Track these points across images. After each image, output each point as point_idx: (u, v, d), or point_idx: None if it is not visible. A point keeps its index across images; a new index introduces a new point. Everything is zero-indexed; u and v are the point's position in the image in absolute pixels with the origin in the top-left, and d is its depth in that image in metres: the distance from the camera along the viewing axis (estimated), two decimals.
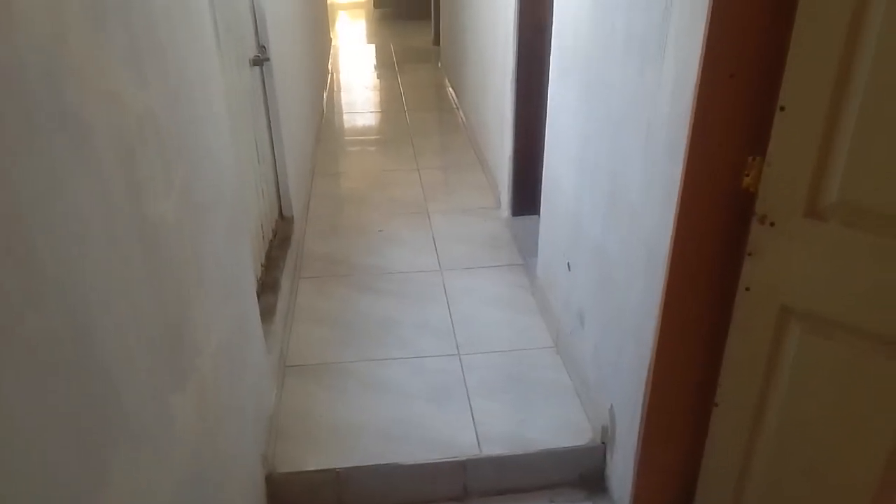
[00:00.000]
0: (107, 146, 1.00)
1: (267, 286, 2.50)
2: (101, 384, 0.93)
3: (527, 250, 3.26)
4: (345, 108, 6.17)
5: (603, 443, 2.11)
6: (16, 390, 0.72)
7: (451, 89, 6.07)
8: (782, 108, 1.38)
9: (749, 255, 1.52)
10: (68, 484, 0.82)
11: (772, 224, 1.47)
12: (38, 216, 0.79)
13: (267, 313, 2.31)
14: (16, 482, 0.71)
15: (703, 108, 1.43)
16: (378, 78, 7.21)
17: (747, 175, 1.47)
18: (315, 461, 2.09)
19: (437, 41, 7.63)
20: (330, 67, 7.03)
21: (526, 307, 2.93)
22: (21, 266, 0.74)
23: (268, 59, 2.79)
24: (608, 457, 2.10)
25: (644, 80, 1.70)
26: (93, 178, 0.95)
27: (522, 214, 3.62)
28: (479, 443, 2.17)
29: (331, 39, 7.83)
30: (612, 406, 2.03)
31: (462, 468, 2.09)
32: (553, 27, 2.53)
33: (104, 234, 0.97)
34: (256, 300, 2.10)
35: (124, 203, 1.06)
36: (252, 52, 2.66)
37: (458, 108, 5.61)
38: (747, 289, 1.55)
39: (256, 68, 2.72)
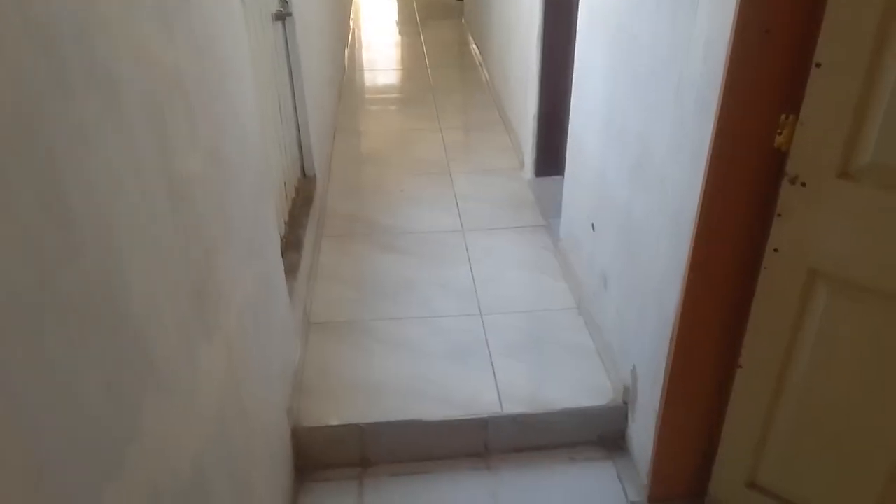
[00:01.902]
0: (136, 102, 1.00)
1: (290, 244, 2.51)
2: (131, 334, 0.94)
3: (550, 211, 3.24)
4: (366, 66, 6.11)
5: (624, 403, 2.13)
6: (54, 339, 0.74)
7: (474, 46, 5.98)
8: (818, 65, 1.35)
9: (778, 215, 1.50)
10: (104, 430, 0.84)
11: (803, 184, 1.44)
12: (72, 171, 0.79)
13: (290, 271, 2.33)
14: (55, 429, 0.73)
15: (736, 64, 1.40)
16: (400, 34, 7.12)
17: (780, 134, 1.44)
18: (338, 416, 2.13)
19: None
20: (351, 23, 6.94)
21: (549, 268, 2.93)
22: (57, 220, 0.75)
23: (290, 14, 2.76)
24: (629, 417, 2.11)
25: (675, 36, 1.66)
26: (123, 134, 0.95)
27: (546, 175, 3.59)
28: (500, 401, 2.20)
29: None
30: (634, 367, 2.04)
31: (483, 425, 2.12)
32: None
33: (135, 188, 0.98)
34: (281, 257, 2.12)
35: (153, 158, 1.06)
36: (274, 6, 2.63)
37: (481, 66, 5.54)
38: (775, 250, 1.53)
39: (279, 23, 2.69)
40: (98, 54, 0.88)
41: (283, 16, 2.70)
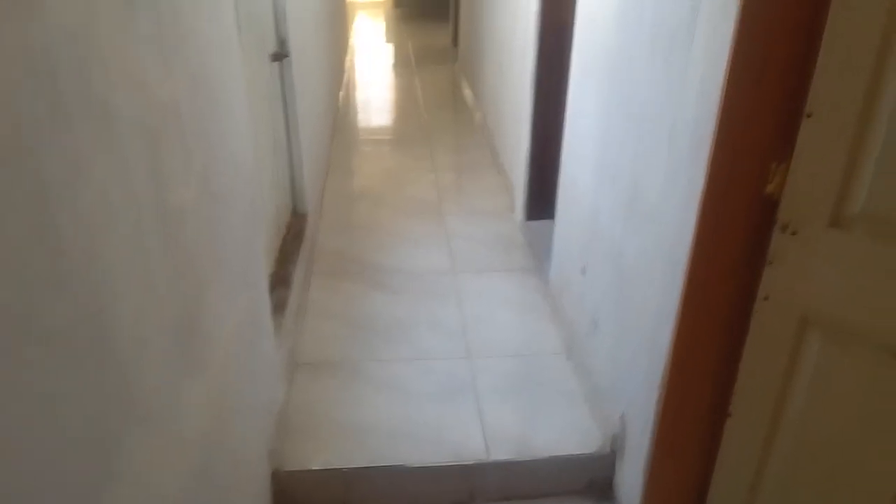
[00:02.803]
0: (131, 133, 1.00)
1: (279, 280, 2.49)
2: (115, 369, 0.92)
3: (540, 254, 3.25)
4: (360, 107, 6.17)
5: (613, 451, 2.09)
6: (34, 373, 0.72)
7: (468, 90, 6.07)
8: (809, 115, 1.36)
9: (769, 263, 1.50)
10: (83, 463, 0.82)
11: (794, 233, 1.45)
12: (63, 200, 0.79)
13: (278, 308, 2.31)
14: (31, 459, 0.71)
15: (728, 111, 1.41)
16: (395, 77, 7.22)
17: (771, 181, 1.45)
18: (322, 459, 2.08)
19: (455, 41, 7.64)
20: (347, 66, 7.04)
21: (538, 311, 2.92)
22: (46, 248, 0.74)
23: (287, 55, 2.79)
24: (617, 465, 2.08)
25: (669, 81, 1.68)
26: (117, 165, 0.94)
27: (537, 218, 3.60)
28: (486, 447, 2.16)
29: (349, 38, 7.84)
30: (623, 414, 2.01)
31: (468, 472, 2.08)
32: (576, 26, 2.51)
33: (127, 220, 0.97)
34: (268, 294, 2.10)
35: (147, 190, 1.05)
36: (272, 47, 2.66)
37: (475, 109, 5.60)
38: (766, 298, 1.52)
39: (276, 64, 2.72)
40: (95, 85, 0.88)
41: (280, 56, 2.73)
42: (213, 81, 1.48)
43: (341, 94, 6.02)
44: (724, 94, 1.40)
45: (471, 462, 2.09)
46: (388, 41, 9.14)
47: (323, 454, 2.11)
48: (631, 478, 1.96)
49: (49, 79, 0.76)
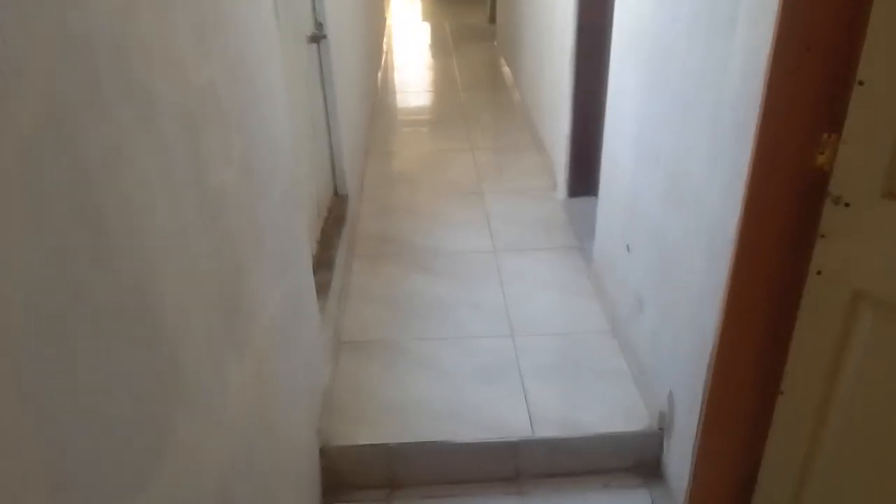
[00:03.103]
0: (170, 116, 1.01)
1: (322, 263, 2.52)
2: (162, 349, 0.94)
3: (583, 233, 3.21)
4: (399, 88, 6.17)
5: (660, 429, 2.07)
6: (86, 352, 0.73)
7: (506, 68, 6.00)
8: (861, 83, 1.31)
9: (821, 237, 1.45)
10: (131, 444, 0.84)
11: (846, 205, 1.40)
12: (106, 183, 0.80)
13: (322, 290, 2.33)
14: (81, 440, 0.73)
15: (775, 83, 1.36)
16: (432, 57, 7.18)
17: (821, 153, 1.40)
18: (367, 436, 2.11)
19: (492, 19, 7.56)
20: (384, 46, 7.03)
21: (581, 290, 2.89)
22: (90, 232, 0.76)
23: (325, 37, 2.79)
24: (665, 444, 2.06)
25: (712, 56, 1.63)
26: (157, 148, 0.96)
27: (579, 196, 3.56)
28: (531, 425, 2.16)
29: (385, 18, 7.82)
30: (670, 392, 1.99)
31: (514, 449, 2.08)
32: (616, 1, 2.46)
33: (167, 202, 0.98)
34: (312, 275, 2.12)
35: (187, 172, 1.07)
36: (309, 29, 2.66)
37: (513, 88, 5.55)
38: (818, 273, 1.48)
39: (313, 45, 2.72)
40: (134, 69, 0.89)
41: (318, 38, 2.74)
42: (251, 64, 1.49)
43: (379, 75, 6.02)
44: (771, 63, 1.35)
45: (516, 439, 2.09)
46: (424, 20, 9.09)
47: (369, 431, 2.13)
48: (679, 456, 1.93)
49: (89, 64, 0.77)
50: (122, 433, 0.81)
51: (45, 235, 0.67)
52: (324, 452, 2.02)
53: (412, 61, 7.08)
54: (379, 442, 2.08)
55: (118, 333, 0.81)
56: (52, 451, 0.67)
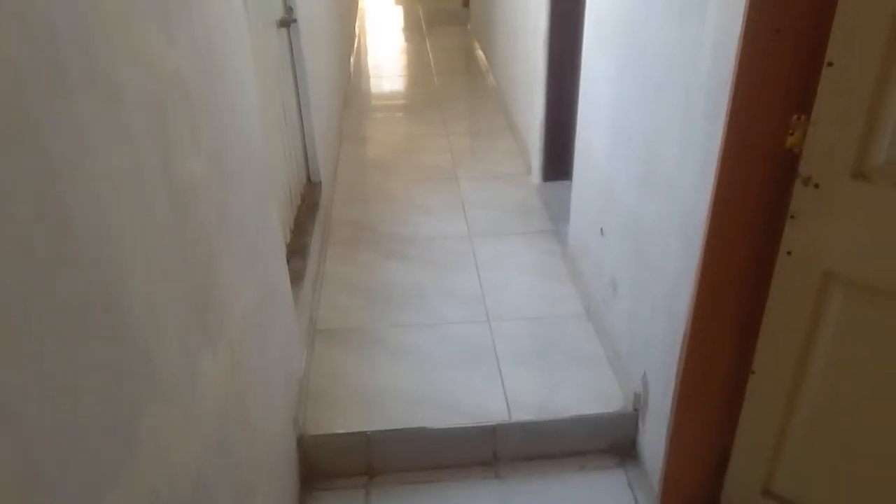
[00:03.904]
0: (137, 106, 0.99)
1: (296, 251, 2.49)
2: (131, 342, 0.93)
3: (558, 217, 3.22)
4: (372, 72, 6.12)
5: (635, 410, 2.09)
6: (51, 346, 0.72)
7: (480, 52, 5.98)
8: (830, 64, 1.32)
9: (791, 217, 1.47)
10: (102, 439, 0.82)
11: (816, 186, 1.41)
12: (70, 175, 0.78)
13: (296, 278, 2.31)
14: (50, 437, 0.71)
15: (746, 65, 1.37)
16: (406, 41, 7.13)
17: (791, 134, 1.41)
18: (344, 424, 2.11)
19: (466, 3, 7.51)
20: (357, 30, 6.96)
21: (557, 274, 2.90)
22: (54, 224, 0.74)
23: (295, 21, 2.75)
24: (640, 424, 2.08)
25: (684, 39, 1.64)
26: (123, 138, 0.93)
27: (553, 180, 3.57)
28: (508, 409, 2.17)
29: (358, 2, 7.74)
30: (644, 373, 2.01)
31: (492, 433, 2.09)
32: None
33: (135, 193, 0.96)
34: (286, 264, 2.10)
35: (154, 162, 1.04)
36: (279, 13, 2.62)
37: (487, 72, 5.53)
38: (789, 253, 1.50)
39: (283, 30, 2.68)
40: (98, 58, 0.87)
41: (287, 22, 2.70)
42: (219, 51, 1.47)
43: (352, 60, 5.96)
44: (742, 46, 1.35)
45: (494, 423, 2.10)
46: (397, 4, 9.01)
47: (346, 419, 2.13)
48: (654, 437, 1.96)
49: (51, 52, 0.75)
50: (91, 428, 0.80)
51: (5, 228, 0.65)
52: (301, 442, 2.02)
53: (385, 45, 7.02)
54: (356, 430, 2.08)
55: (84, 328, 0.79)
56: (20, 449, 0.66)
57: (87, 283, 0.81)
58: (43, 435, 0.70)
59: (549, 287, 2.83)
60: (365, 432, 2.06)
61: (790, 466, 1.69)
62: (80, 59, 0.82)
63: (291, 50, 2.81)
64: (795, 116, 1.40)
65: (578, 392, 2.23)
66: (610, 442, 2.13)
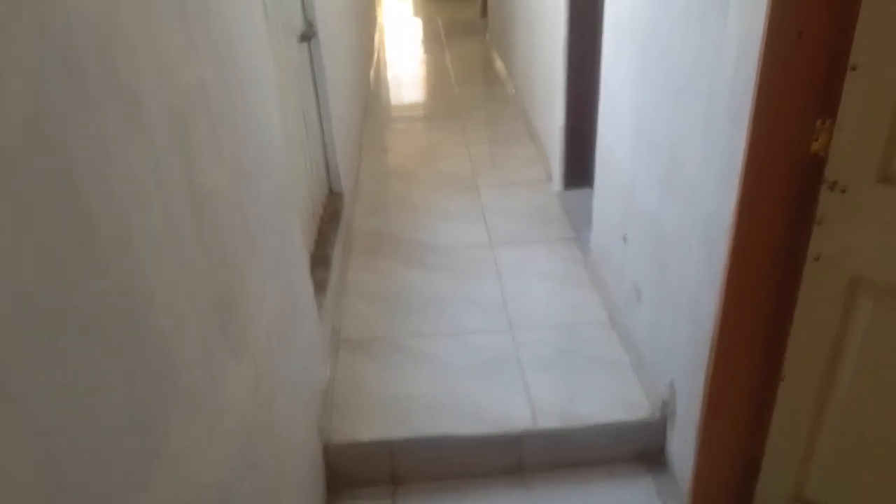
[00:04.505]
0: (159, 116, 1.00)
1: (318, 261, 2.51)
2: (155, 352, 0.93)
3: (579, 224, 3.21)
4: (391, 84, 6.15)
5: (662, 417, 2.07)
6: (73, 356, 0.72)
7: (499, 61, 5.99)
8: (854, 68, 1.30)
9: (818, 223, 1.44)
10: (126, 450, 0.83)
11: (842, 191, 1.39)
12: (94, 184, 0.79)
13: (319, 288, 2.32)
14: (73, 448, 0.72)
15: (769, 69, 1.35)
16: (425, 52, 7.16)
17: (816, 139, 1.39)
18: (369, 433, 2.11)
19: (484, 13, 7.54)
20: (376, 43, 7.00)
21: (579, 282, 2.88)
22: (77, 233, 0.75)
23: (315, 35, 2.78)
24: (668, 432, 2.05)
25: (705, 43, 1.62)
26: (146, 147, 0.94)
27: (574, 187, 3.55)
28: (534, 416, 2.15)
29: (377, 15, 7.79)
30: (672, 380, 1.98)
31: (517, 441, 2.08)
32: None
33: (158, 202, 0.97)
34: (309, 274, 2.11)
35: (177, 172, 1.05)
36: (300, 27, 2.65)
37: (506, 81, 5.53)
38: (816, 259, 1.47)
39: (304, 44, 2.71)
40: (119, 68, 0.88)
41: (308, 36, 2.72)
42: (240, 63, 1.48)
43: (372, 72, 6.00)
44: (764, 51, 1.34)
45: (518, 431, 2.08)
46: (415, 16, 9.06)
47: (370, 428, 2.13)
48: (682, 444, 1.93)
49: (72, 63, 0.76)
50: (115, 437, 0.80)
51: (28, 237, 0.66)
52: (326, 450, 2.02)
53: (405, 57, 7.06)
54: (381, 438, 2.08)
55: (108, 336, 0.80)
56: (44, 458, 0.67)
57: (110, 292, 0.81)
58: (66, 445, 0.70)
59: (572, 294, 2.81)
60: (389, 440, 2.06)
61: (822, 473, 1.66)
62: (101, 70, 0.83)
63: (312, 63, 2.84)
64: (820, 121, 1.38)
65: (603, 399, 2.21)
66: (637, 449, 2.10)
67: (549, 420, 2.13)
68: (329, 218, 2.87)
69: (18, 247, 0.64)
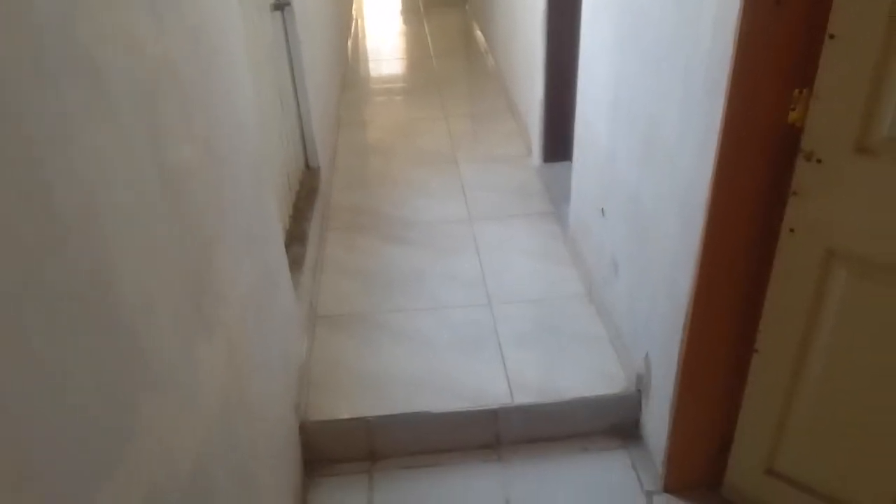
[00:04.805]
0: (124, 91, 0.97)
1: (294, 237, 2.48)
2: (123, 330, 0.91)
3: (558, 198, 3.20)
4: (370, 56, 6.07)
5: (638, 390, 2.09)
6: (39, 336, 0.71)
7: (479, 32, 5.92)
8: (832, 37, 1.30)
9: (794, 194, 1.45)
10: (95, 430, 0.82)
11: (818, 161, 1.39)
12: (54, 161, 0.76)
13: (295, 264, 2.30)
14: (40, 429, 0.70)
15: (746, 38, 1.34)
16: (404, 23, 7.07)
17: (793, 109, 1.39)
18: (346, 410, 2.10)
19: None
20: (354, 13, 6.89)
21: (558, 256, 2.89)
22: (37, 211, 0.72)
23: (288, 4, 2.72)
24: (643, 405, 2.07)
25: (682, 13, 1.61)
26: (110, 123, 0.92)
27: (554, 161, 3.54)
28: (511, 392, 2.16)
29: None
30: (647, 354, 2.00)
31: (494, 416, 2.09)
32: None
33: (124, 179, 0.95)
34: (284, 250, 2.09)
35: (144, 149, 1.03)
36: None
37: (487, 53, 5.48)
38: (791, 230, 1.48)
39: (277, 13, 2.65)
40: (81, 42, 0.85)
41: (281, 5, 2.66)
42: (210, 36, 1.44)
43: (349, 43, 5.91)
44: (741, 21, 1.33)
45: (496, 406, 2.09)
46: None
47: (348, 405, 2.13)
48: (657, 417, 1.95)
49: (31, 35, 0.73)
50: (83, 416, 0.79)
51: None
52: (303, 428, 2.02)
53: (383, 28, 6.96)
54: (358, 415, 2.07)
55: (73, 314, 0.78)
56: (11, 442, 0.65)
57: (75, 270, 0.79)
58: (33, 426, 0.69)
59: (550, 269, 2.82)
60: (366, 417, 2.06)
61: (794, 446, 1.68)
62: (62, 44, 0.80)
63: (286, 33, 2.78)
64: (797, 90, 1.37)
65: (580, 373, 2.22)
66: (612, 423, 2.12)
67: (526, 395, 2.14)
68: (305, 193, 2.83)
69: None
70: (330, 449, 2.06)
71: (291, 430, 1.94)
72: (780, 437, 1.69)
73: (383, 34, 6.74)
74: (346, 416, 2.08)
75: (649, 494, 1.93)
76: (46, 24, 0.77)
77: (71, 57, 0.82)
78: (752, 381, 1.68)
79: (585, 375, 2.21)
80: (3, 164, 0.67)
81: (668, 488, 1.91)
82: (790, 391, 1.63)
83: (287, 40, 2.80)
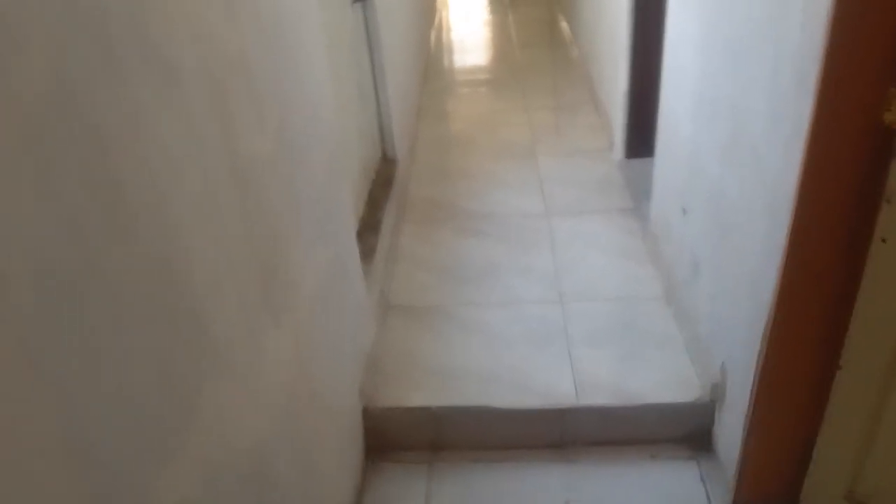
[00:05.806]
0: (196, 86, 1.00)
1: (368, 226, 2.51)
2: (189, 318, 0.94)
3: (639, 194, 3.11)
4: (453, 47, 6.07)
5: (712, 400, 2.00)
6: (103, 324, 0.73)
7: (564, 23, 5.82)
8: None
9: (887, 202, 1.35)
10: (158, 415, 0.84)
11: None
12: (124, 153, 0.79)
13: (368, 253, 2.33)
14: (106, 415, 0.73)
15: (838, 33, 1.25)
16: (489, 14, 7.03)
17: (889, 109, 1.29)
18: (412, 398, 2.12)
19: None
20: (438, 4, 6.90)
21: (636, 254, 2.81)
22: (104, 201, 0.75)
23: None
24: (717, 416, 1.99)
25: (772, 5, 1.52)
26: (182, 117, 0.94)
27: (636, 156, 3.44)
28: (576, 392, 2.12)
29: None
30: (723, 363, 1.91)
31: (560, 416, 2.05)
32: None
33: (195, 172, 0.98)
34: (356, 240, 2.11)
35: (216, 142, 1.06)
36: None
37: (571, 44, 5.38)
38: (883, 240, 1.38)
39: (357, 6, 2.68)
40: (151, 36, 0.88)
41: None
42: (286, 31, 1.47)
43: (433, 34, 5.93)
44: (833, 14, 1.24)
45: (563, 406, 2.06)
46: None
47: (414, 394, 2.14)
48: (730, 430, 1.87)
49: (101, 34, 0.76)
50: (147, 404, 0.82)
51: (53, 206, 0.66)
52: (367, 413, 2.04)
53: (467, 19, 6.94)
54: (424, 405, 2.08)
55: (138, 302, 0.81)
56: (74, 427, 0.68)
57: (142, 258, 0.82)
58: (96, 413, 0.72)
59: (627, 267, 2.74)
60: (431, 407, 2.07)
61: (879, 470, 1.57)
62: (131, 37, 0.82)
63: (367, 26, 2.81)
64: (894, 89, 1.27)
65: (653, 378, 2.15)
66: (684, 432, 2.05)
67: (596, 395, 2.10)
68: (381, 184, 2.86)
69: (42, 212, 0.65)
70: (393, 436, 2.08)
71: (355, 416, 1.97)
72: (864, 460, 1.59)
73: (467, 25, 6.72)
74: (411, 404, 2.10)
75: None
76: (115, 19, 0.79)
77: (141, 51, 0.85)
78: (834, 399, 1.58)
79: (658, 380, 2.14)
80: (72, 154, 0.70)
81: None
82: (877, 412, 1.52)
83: (367, 32, 2.82)
